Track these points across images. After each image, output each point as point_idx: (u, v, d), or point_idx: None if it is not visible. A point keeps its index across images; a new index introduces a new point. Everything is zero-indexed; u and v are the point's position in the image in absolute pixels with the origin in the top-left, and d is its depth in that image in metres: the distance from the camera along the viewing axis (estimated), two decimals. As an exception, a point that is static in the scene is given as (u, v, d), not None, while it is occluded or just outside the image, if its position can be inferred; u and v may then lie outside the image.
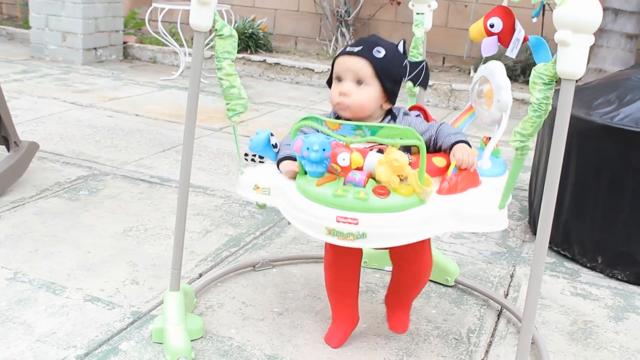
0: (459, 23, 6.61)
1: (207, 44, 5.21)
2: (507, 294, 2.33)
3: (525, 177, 3.32)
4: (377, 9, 6.85)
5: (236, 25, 6.67)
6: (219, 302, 2.11)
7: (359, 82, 1.69)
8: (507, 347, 1.98)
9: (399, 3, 6.68)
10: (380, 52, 1.70)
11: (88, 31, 6.30)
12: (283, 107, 5.14)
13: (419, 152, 1.48)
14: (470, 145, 1.68)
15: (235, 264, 2.34)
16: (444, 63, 6.83)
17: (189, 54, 6.10)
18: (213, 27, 1.68)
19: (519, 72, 5.96)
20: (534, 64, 1.48)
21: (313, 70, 6.22)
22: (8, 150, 3.02)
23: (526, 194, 3.12)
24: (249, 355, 1.83)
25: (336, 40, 6.87)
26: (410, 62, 1.85)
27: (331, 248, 1.83)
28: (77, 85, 5.38)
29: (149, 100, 5.02)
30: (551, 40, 1.39)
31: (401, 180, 1.51)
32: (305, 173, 1.58)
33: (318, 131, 1.57)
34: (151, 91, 5.38)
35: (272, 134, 1.75)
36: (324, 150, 1.52)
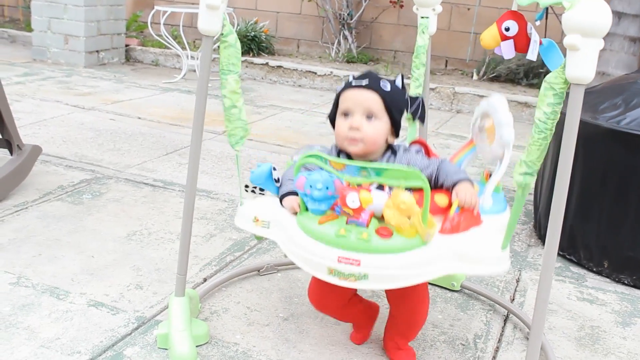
0: (462, 26, 6.60)
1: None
2: (514, 299, 2.31)
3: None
4: (380, 12, 6.84)
5: (238, 28, 6.66)
6: (223, 307, 2.09)
7: (369, 116, 1.67)
8: (515, 353, 1.96)
9: (401, 6, 6.67)
10: (387, 86, 1.70)
11: (90, 34, 6.29)
12: (286, 110, 5.13)
13: (420, 190, 1.48)
14: (472, 183, 1.67)
15: (239, 268, 2.33)
16: (446, 66, 6.81)
17: (192, 57, 6.09)
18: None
19: (522, 75, 5.95)
20: (537, 67, 1.47)
21: (315, 73, 6.21)
22: (11, 153, 3.01)
23: (531, 197, 3.10)
24: (254, 361, 1.82)
25: (338, 43, 6.86)
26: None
27: (316, 283, 1.81)
28: (79, 88, 5.37)
29: (151, 103, 5.01)
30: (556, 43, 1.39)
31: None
32: (307, 210, 1.57)
33: (321, 168, 1.56)
34: (153, 94, 5.37)
35: (274, 168, 1.74)
36: (327, 188, 1.51)
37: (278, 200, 1.71)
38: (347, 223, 1.51)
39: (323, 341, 1.94)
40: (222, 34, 1.67)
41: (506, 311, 2.20)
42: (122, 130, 4.15)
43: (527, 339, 2.02)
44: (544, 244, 1.53)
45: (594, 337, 2.10)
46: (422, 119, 1.83)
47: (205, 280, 2.28)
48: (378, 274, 1.47)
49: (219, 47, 1.70)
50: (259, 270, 2.33)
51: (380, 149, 1.73)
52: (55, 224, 2.63)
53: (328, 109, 1.83)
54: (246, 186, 1.79)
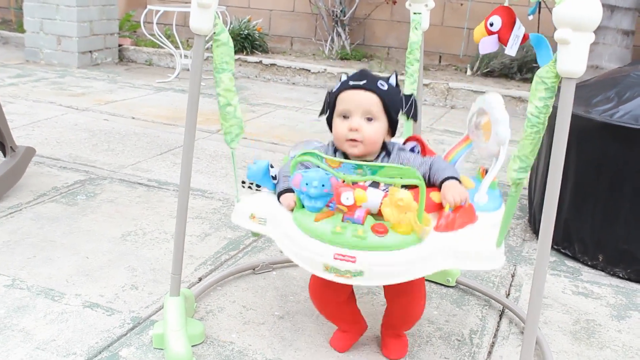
0: (455, 22, 6.61)
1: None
2: (509, 294, 2.31)
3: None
4: (373, 9, 6.84)
5: (232, 26, 6.65)
6: (219, 306, 2.09)
7: (369, 117, 1.68)
8: (510, 348, 1.96)
9: (394, 2, 6.67)
10: (384, 85, 1.70)
11: (83, 34, 6.28)
12: (280, 108, 5.12)
13: (414, 187, 1.48)
14: (459, 181, 1.67)
15: (234, 267, 2.33)
16: (440, 62, 6.82)
17: (185, 56, 6.08)
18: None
19: (516, 70, 5.96)
20: (531, 62, 1.47)
21: (309, 70, 6.20)
22: (4, 155, 3.00)
23: (526, 192, 3.10)
24: (250, 359, 1.82)
25: (332, 40, 6.86)
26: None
27: (316, 280, 1.80)
28: (72, 88, 5.36)
29: (145, 103, 5.00)
30: (548, 37, 1.38)
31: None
32: (303, 207, 1.57)
33: (317, 166, 1.56)
34: (147, 94, 5.36)
35: (271, 165, 1.74)
36: (323, 186, 1.52)
37: (275, 196, 1.72)
38: (343, 220, 1.51)
39: (319, 339, 1.94)
40: (214, 33, 1.67)
41: (501, 306, 2.21)
42: (116, 131, 4.14)
43: (523, 333, 2.02)
44: (538, 238, 1.53)
45: (589, 330, 2.11)
46: (415, 118, 1.83)
47: (200, 279, 2.28)
48: (374, 270, 1.48)
49: (211, 46, 1.70)
50: (254, 269, 2.33)
51: (377, 149, 1.74)
52: (49, 225, 2.62)
53: (320, 106, 1.83)
54: (243, 182, 1.79)
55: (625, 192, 2.41)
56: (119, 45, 6.82)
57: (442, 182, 1.65)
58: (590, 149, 2.48)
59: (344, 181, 1.55)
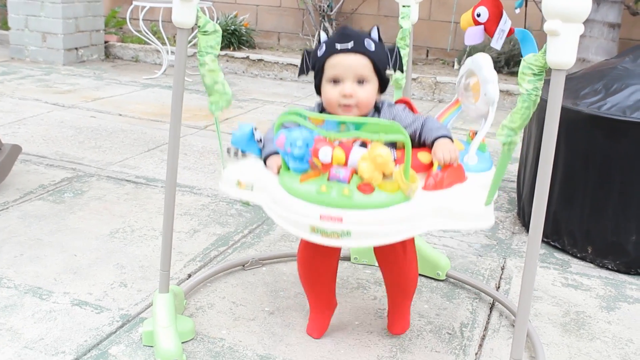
0: (443, 15, 6.61)
1: (190, 41, 5.17)
2: (499, 287, 2.32)
3: (513, 168, 3.32)
4: (360, 3, 6.83)
5: (218, 22, 6.62)
6: (209, 303, 2.08)
7: (360, 80, 1.65)
8: (501, 341, 1.97)
9: (381, -4, 6.67)
10: (371, 45, 1.66)
11: (68, 31, 6.23)
12: (268, 104, 5.11)
13: (403, 148, 1.45)
14: (452, 140, 1.65)
15: (224, 263, 2.32)
16: (427, 56, 6.82)
17: (172, 52, 6.05)
18: (196, 24, 1.66)
19: (503, 63, 5.96)
20: (518, 55, 1.47)
21: (297, 65, 6.16)
22: (-10, 153, 2.97)
23: (514, 185, 3.11)
24: (241, 356, 1.81)
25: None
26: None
27: (306, 246, 1.80)
28: (58, 86, 5.32)
29: (132, 100, 4.97)
30: (535, 30, 1.38)
31: (385, 177, 1.48)
32: (288, 169, 1.55)
33: (300, 126, 1.54)
34: (134, 90, 5.33)
35: (255, 128, 1.71)
36: (307, 146, 1.48)
37: (261, 162, 1.69)
38: (328, 180, 1.48)
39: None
40: (198, 26, 1.65)
41: (492, 299, 2.21)
42: (103, 128, 4.11)
43: (513, 326, 2.02)
44: (527, 231, 1.53)
45: (579, 322, 2.11)
46: (401, 69, 1.79)
47: (189, 276, 2.26)
48: (361, 230, 1.45)
49: (197, 35, 1.68)
50: (243, 265, 2.32)
51: (371, 109, 1.71)
52: (36, 223, 2.60)
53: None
54: (228, 149, 1.76)
55: (614, 184, 2.42)
56: (105, 42, 6.78)
57: (435, 140, 1.62)
58: (578, 141, 2.48)
59: (329, 140, 1.51)
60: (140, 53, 6.75)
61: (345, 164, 1.50)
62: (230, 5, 7.31)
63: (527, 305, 1.55)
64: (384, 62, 1.70)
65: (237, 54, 6.42)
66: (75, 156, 3.49)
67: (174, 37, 6.72)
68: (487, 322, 2.07)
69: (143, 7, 5.78)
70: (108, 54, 6.83)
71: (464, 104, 1.89)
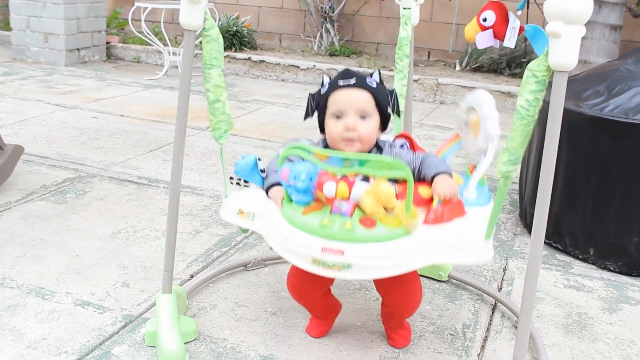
0: (444, 17, 6.61)
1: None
2: (501, 288, 2.32)
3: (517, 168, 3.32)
4: (362, 5, 6.83)
5: (220, 23, 6.63)
6: (211, 303, 2.09)
7: (363, 115, 1.68)
8: (503, 342, 1.97)
9: (383, -2, 6.68)
10: (372, 83, 1.71)
11: (70, 32, 6.24)
12: (269, 105, 5.11)
13: (404, 182, 1.48)
14: (451, 175, 1.67)
15: (226, 264, 2.32)
16: (429, 57, 6.82)
17: (173, 53, 6.06)
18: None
19: (505, 65, 5.97)
20: (520, 57, 1.47)
21: (298, 67, 6.19)
22: (-8, 154, 2.98)
23: (517, 186, 3.11)
24: (243, 356, 1.81)
25: (321, 36, 6.85)
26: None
27: (296, 273, 1.81)
28: (60, 86, 5.32)
29: (133, 101, 4.98)
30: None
31: (387, 211, 1.49)
32: (291, 201, 1.57)
33: (304, 159, 1.56)
34: (136, 91, 5.33)
35: (259, 159, 1.73)
36: (311, 179, 1.50)
37: (263, 191, 1.71)
38: (331, 213, 1.50)
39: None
40: (204, 29, 1.67)
41: (494, 300, 2.21)
42: (105, 128, 4.12)
43: (516, 327, 2.03)
44: (529, 232, 1.54)
45: (582, 323, 2.12)
46: (398, 113, 1.83)
47: (192, 276, 2.27)
48: (362, 263, 1.46)
49: (201, 42, 1.69)
50: (246, 266, 2.33)
51: (373, 145, 1.74)
52: (39, 223, 2.60)
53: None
54: (231, 178, 1.78)
55: (616, 185, 2.42)
56: (107, 43, 6.79)
57: (435, 176, 1.65)
58: (580, 143, 2.49)
59: (333, 175, 1.54)
60: (142, 54, 6.76)
61: (348, 198, 1.51)
62: (232, 7, 7.31)
63: (530, 306, 1.56)
64: (385, 99, 1.73)
65: (239, 55, 6.43)
66: (77, 157, 3.49)
67: (176, 38, 6.74)
68: (490, 324, 2.07)
69: (145, 8, 5.78)
70: (110, 54, 6.83)
71: (463, 139, 1.90)
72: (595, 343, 2.01)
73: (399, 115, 1.88)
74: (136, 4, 5.92)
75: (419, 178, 1.70)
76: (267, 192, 1.69)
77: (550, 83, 1.43)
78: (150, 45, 6.48)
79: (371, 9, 6.88)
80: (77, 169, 3.29)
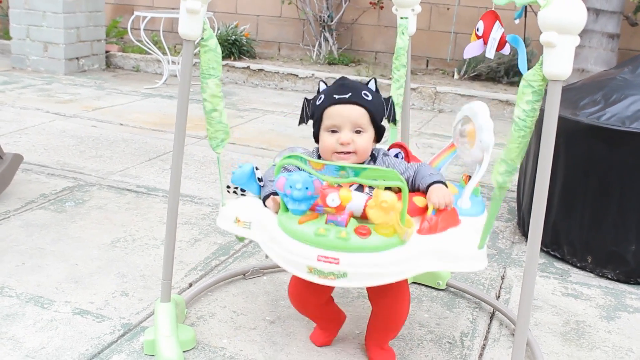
0: (442, 26, 6.63)
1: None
2: (499, 296, 2.32)
3: (513, 178, 3.33)
4: (360, 13, 6.86)
5: (219, 32, 6.65)
6: (210, 312, 2.09)
7: (357, 130, 1.70)
8: (501, 350, 1.97)
9: (381, 7, 6.69)
10: (368, 95, 1.72)
11: (70, 41, 6.25)
12: (268, 114, 5.13)
13: (398, 192, 1.49)
14: (446, 185, 1.68)
15: (225, 272, 2.33)
16: (427, 66, 6.84)
17: (172, 62, 6.08)
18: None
19: (503, 73, 5.99)
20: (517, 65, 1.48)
21: (297, 75, 6.21)
22: (-8, 163, 2.98)
23: (514, 195, 3.12)
24: (242, 365, 1.82)
25: (319, 45, 6.87)
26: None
27: (297, 283, 1.82)
28: (60, 95, 5.33)
29: (133, 109, 4.99)
30: (534, 41, 1.39)
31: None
32: (287, 210, 1.58)
33: (301, 169, 1.57)
34: (135, 100, 5.35)
35: (256, 168, 1.74)
36: (306, 188, 1.51)
37: (260, 200, 1.72)
38: (326, 222, 1.51)
39: (310, 344, 1.94)
40: (202, 38, 1.68)
41: (492, 308, 2.21)
42: (104, 137, 4.13)
43: (513, 335, 2.03)
44: (527, 240, 1.54)
45: (579, 331, 2.12)
46: (394, 122, 1.84)
47: (190, 285, 2.27)
48: (357, 272, 1.48)
49: (199, 51, 1.70)
50: (244, 274, 2.33)
51: (367, 157, 1.76)
52: (38, 232, 2.61)
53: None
54: (228, 187, 1.79)
55: (613, 193, 2.43)
56: (106, 52, 6.81)
57: (429, 186, 1.66)
58: (578, 152, 2.50)
59: (328, 184, 1.55)
60: (141, 63, 6.78)
61: (343, 207, 1.52)
62: (231, 16, 7.34)
63: (527, 314, 1.56)
64: (380, 112, 1.76)
65: (238, 63, 6.44)
66: (76, 165, 3.50)
67: (175, 47, 6.75)
68: (488, 332, 2.08)
69: (144, 17, 5.80)
70: (109, 63, 6.85)
71: (459, 149, 1.92)
72: (593, 351, 2.01)
73: (395, 123, 1.89)
74: (135, 13, 5.94)
75: (413, 188, 1.71)
76: (264, 201, 1.70)
77: (546, 92, 1.44)
78: (149, 54, 6.49)
79: (370, 17, 6.90)
80: (76, 178, 3.29)
